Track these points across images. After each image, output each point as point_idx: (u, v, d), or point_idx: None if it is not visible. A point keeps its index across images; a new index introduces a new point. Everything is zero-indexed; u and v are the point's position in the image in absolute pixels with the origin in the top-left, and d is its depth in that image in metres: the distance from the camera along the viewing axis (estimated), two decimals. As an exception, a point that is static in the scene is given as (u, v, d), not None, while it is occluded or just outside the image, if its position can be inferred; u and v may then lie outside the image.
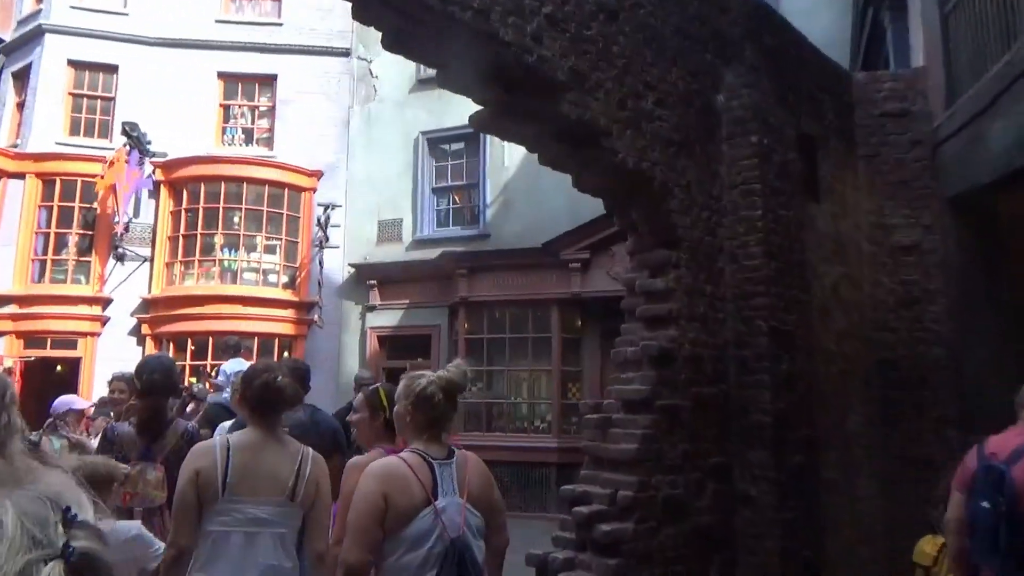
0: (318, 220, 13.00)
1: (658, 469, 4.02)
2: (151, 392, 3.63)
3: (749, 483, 4.44)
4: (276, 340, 12.73)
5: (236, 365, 7.66)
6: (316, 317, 12.80)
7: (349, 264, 12.97)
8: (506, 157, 12.17)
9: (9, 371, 12.13)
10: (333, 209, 13.10)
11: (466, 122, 12.69)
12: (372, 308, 12.77)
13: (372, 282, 12.72)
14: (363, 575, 2.22)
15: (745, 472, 4.47)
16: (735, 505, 4.43)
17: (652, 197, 4.48)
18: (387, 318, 12.71)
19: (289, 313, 12.89)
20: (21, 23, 13.96)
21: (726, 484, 4.42)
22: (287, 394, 2.75)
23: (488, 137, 12.30)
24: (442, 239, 12.45)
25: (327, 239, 13.04)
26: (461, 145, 12.87)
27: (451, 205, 13.05)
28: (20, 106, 13.46)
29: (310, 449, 2.72)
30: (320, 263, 12.91)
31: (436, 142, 12.97)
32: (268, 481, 2.54)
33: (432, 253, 12.12)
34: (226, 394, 7.47)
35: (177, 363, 12.20)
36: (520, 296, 11.41)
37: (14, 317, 12.34)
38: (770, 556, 4.30)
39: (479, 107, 3.90)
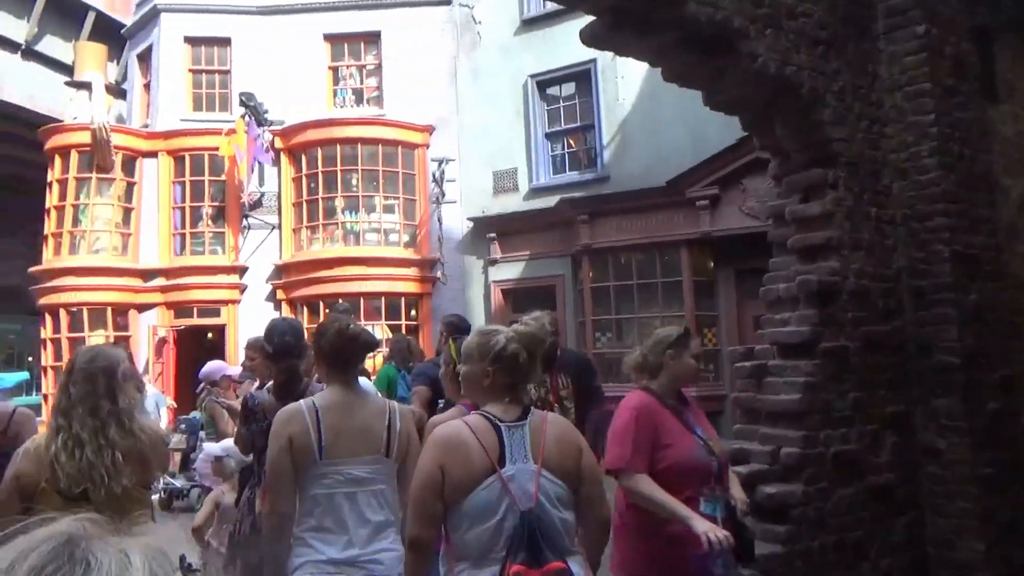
0: (433, 176, 12.84)
1: (826, 422, 3.48)
2: (284, 355, 3.42)
3: (935, 434, 3.80)
4: (401, 299, 12.80)
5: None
6: (439, 274, 12.74)
7: (467, 218, 12.78)
8: (620, 91, 11.47)
9: (163, 340, 12.92)
10: (447, 163, 12.90)
11: (576, 60, 12.05)
12: (493, 262, 12.56)
13: (492, 235, 12.48)
14: (426, 549, 2.07)
15: (929, 422, 3.83)
16: (919, 460, 3.81)
17: (800, 107, 3.84)
18: (509, 271, 12.47)
19: (412, 271, 12.90)
20: (139, 6, 14.48)
21: (907, 436, 3.81)
22: (363, 341, 2.65)
23: (600, 72, 11.66)
24: (559, 186, 11.98)
25: (443, 194, 12.89)
26: (572, 85, 12.28)
27: (566, 149, 12.52)
28: (147, 87, 14.04)
29: (395, 402, 2.66)
30: (439, 219, 12.80)
31: (545, 85, 12.43)
32: (362, 440, 2.50)
33: (550, 201, 11.70)
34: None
35: (311, 327, 12.64)
36: (645, 239, 10.81)
37: (162, 289, 13.05)
38: (965, 518, 3.68)
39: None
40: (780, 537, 3.18)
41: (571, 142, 12.53)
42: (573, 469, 2.10)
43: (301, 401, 2.59)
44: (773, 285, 3.98)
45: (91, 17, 15.71)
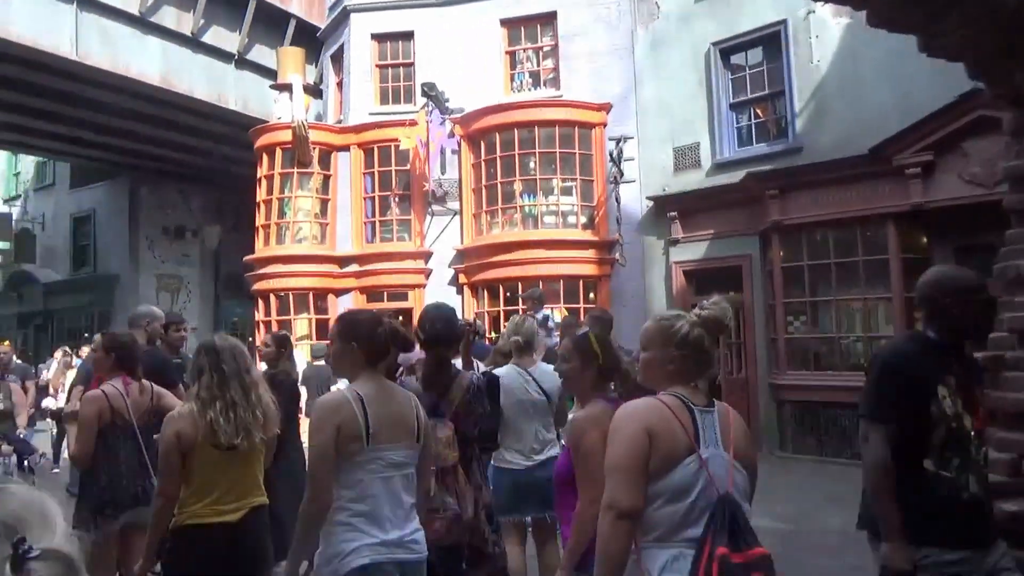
0: (610, 155, 12.54)
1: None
2: (435, 343, 3.36)
3: None
4: (580, 282, 12.66)
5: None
6: (618, 256, 12.46)
7: (647, 197, 12.35)
8: (815, 52, 10.50)
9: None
10: (625, 142, 12.53)
11: (763, 23, 11.23)
12: (675, 242, 12.05)
13: (673, 214, 11.98)
14: (637, 519, 1.99)
15: None
16: None
17: (1050, 46, 3.16)
18: (692, 251, 11.91)
19: (590, 254, 12.71)
20: (331, 9, 15.42)
21: None
22: (401, 336, 2.83)
23: (791, 34, 10.75)
24: (745, 159, 11.22)
25: (621, 174, 12.55)
26: (758, 51, 11.42)
27: (752, 120, 11.70)
28: (339, 85, 14.94)
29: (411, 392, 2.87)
30: (616, 199, 12.49)
31: (729, 52, 11.66)
32: (402, 427, 2.65)
33: (735, 176, 10.99)
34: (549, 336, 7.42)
35: (491, 310, 12.91)
36: (844, 214, 9.84)
37: (356, 275, 13.89)
38: None
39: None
40: (1025, 565, 2.64)
41: (758, 112, 11.70)
42: (752, 464, 2.13)
43: (344, 390, 2.65)
44: (1011, 262, 3.33)
45: (292, 24, 16.95)
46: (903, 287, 9.27)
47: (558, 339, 7.02)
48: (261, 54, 17.04)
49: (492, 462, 4.11)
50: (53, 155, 21.77)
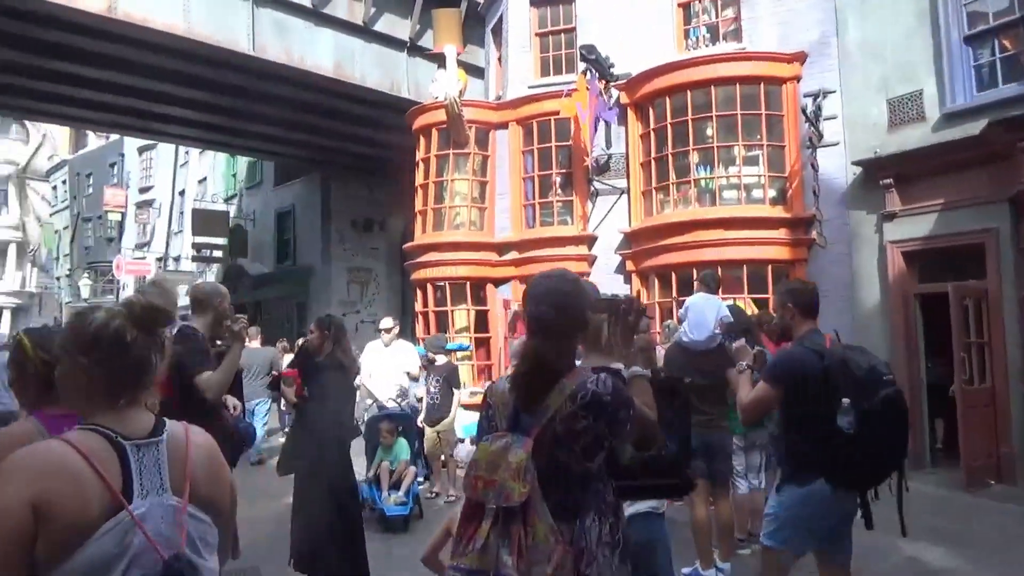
0: (805, 114, 10.43)
1: None
2: (538, 332, 2.31)
3: None
4: (768, 267, 10.67)
5: (703, 300, 6.05)
6: (816, 235, 10.34)
7: (853, 163, 10.11)
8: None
9: (517, 315, 12.76)
10: (824, 97, 10.39)
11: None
12: (891, 216, 9.72)
13: (887, 181, 9.65)
14: None
15: None
16: None
17: None
18: (913, 227, 9.51)
19: (781, 233, 10.67)
20: (490, -22, 14.52)
21: None
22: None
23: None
24: (987, 105, 8.70)
25: (820, 136, 10.40)
26: (1007, -37, 8.82)
27: (996, 55, 9.05)
28: (499, 61, 14.02)
29: None
30: (814, 167, 10.36)
31: (964, -30, 9.14)
32: None
33: (973, 127, 8.53)
34: (684, 332, 5.93)
35: (663, 301, 11.29)
36: None
37: (516, 263, 12.91)
38: None
39: None
40: None
41: (1005, 44, 9.03)
42: (220, 504, 1.63)
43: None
44: None
45: (463, 7, 16.37)
46: None
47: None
48: (432, 40, 16.67)
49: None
50: (249, 153, 23.27)
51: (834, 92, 10.39)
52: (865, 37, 10.13)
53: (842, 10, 10.41)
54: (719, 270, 10.24)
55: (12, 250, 44.04)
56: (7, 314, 43.30)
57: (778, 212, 10.71)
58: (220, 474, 1.65)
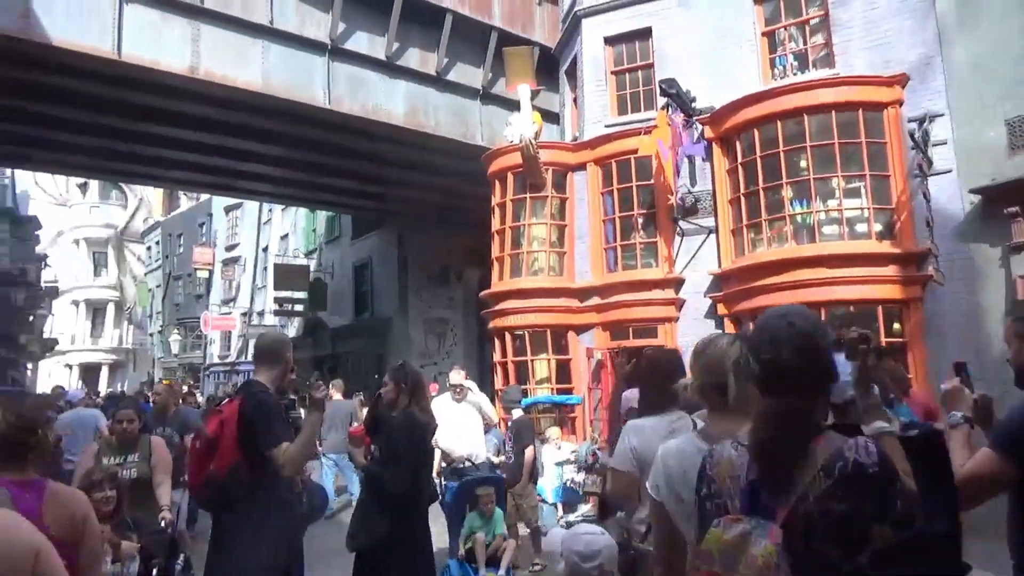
0: (912, 139, 9.58)
1: None
2: (777, 382, 1.80)
3: None
4: (878, 308, 9.73)
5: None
6: (932, 271, 9.38)
7: (969, 191, 9.18)
8: None
9: (600, 363, 12.10)
10: (932, 121, 9.53)
11: None
12: (1019, 248, 8.72)
13: (1012, 209, 8.69)
14: None
15: None
16: None
17: None
18: (1045, 259, 8.50)
19: (890, 270, 9.73)
20: (563, 21, 14.29)
21: None
22: None
23: None
24: None
25: (930, 163, 9.52)
26: None
27: None
28: (575, 101, 13.65)
29: None
30: (925, 196, 9.45)
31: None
32: None
33: (1115, 144, 7.56)
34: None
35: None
36: None
37: (598, 309, 12.30)
38: None
39: None
40: None
41: None
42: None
43: None
44: None
45: (536, 53, 16.24)
46: None
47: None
48: (504, 86, 16.56)
49: None
50: (327, 207, 23.61)
51: (942, 115, 9.53)
52: (975, 55, 9.29)
53: (946, 29, 9.61)
54: (822, 311, 9.43)
55: (110, 309, 46.32)
56: (105, 370, 45.27)
57: (886, 247, 9.79)
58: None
